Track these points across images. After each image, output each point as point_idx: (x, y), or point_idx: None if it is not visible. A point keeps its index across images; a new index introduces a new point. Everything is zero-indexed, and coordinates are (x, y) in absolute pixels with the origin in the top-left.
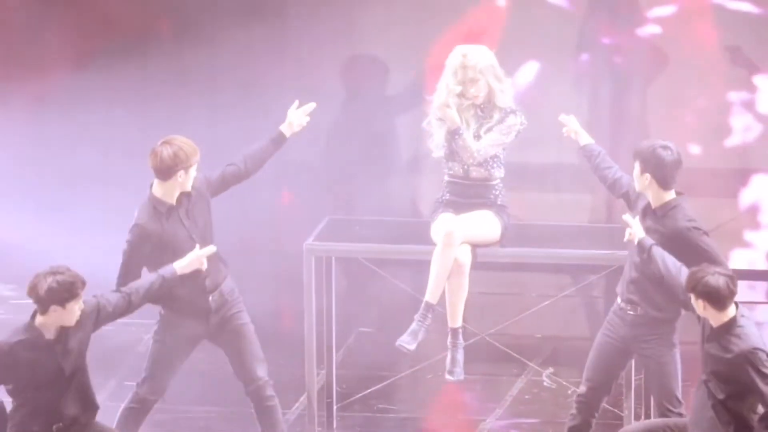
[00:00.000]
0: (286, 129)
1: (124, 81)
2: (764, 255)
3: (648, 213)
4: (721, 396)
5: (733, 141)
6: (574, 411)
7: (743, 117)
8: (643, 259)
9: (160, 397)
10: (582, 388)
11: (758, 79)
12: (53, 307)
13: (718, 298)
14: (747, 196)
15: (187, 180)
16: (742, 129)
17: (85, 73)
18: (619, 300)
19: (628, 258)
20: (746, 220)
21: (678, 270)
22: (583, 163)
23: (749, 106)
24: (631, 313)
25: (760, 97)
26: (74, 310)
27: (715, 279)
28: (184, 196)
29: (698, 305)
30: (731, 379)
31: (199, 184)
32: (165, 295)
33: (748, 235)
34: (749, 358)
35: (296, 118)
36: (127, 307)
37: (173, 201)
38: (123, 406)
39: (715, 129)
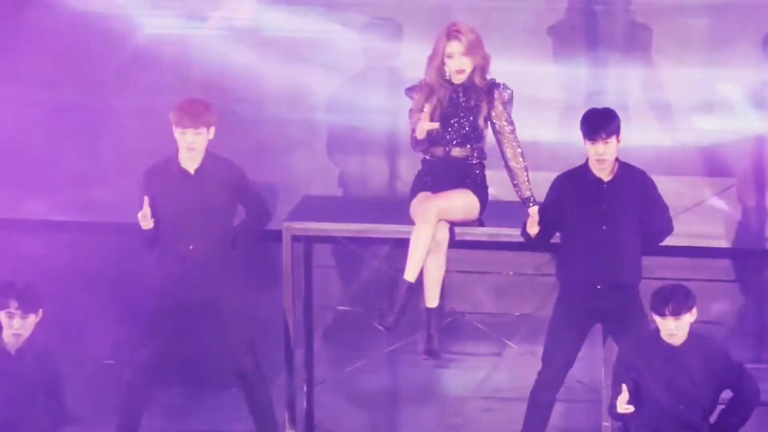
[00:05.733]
0: None
1: None
2: None
3: (601, 187)
4: None
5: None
6: (536, 392)
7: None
8: None
9: (160, 358)
10: (546, 373)
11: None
12: None
13: None
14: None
15: (198, 139)
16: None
17: None
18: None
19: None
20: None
21: None
22: (561, 141)
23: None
24: (600, 287)
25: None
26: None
27: None
28: (209, 171)
29: None
30: None
31: (233, 175)
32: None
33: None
34: None
35: None
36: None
37: (189, 168)
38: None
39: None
